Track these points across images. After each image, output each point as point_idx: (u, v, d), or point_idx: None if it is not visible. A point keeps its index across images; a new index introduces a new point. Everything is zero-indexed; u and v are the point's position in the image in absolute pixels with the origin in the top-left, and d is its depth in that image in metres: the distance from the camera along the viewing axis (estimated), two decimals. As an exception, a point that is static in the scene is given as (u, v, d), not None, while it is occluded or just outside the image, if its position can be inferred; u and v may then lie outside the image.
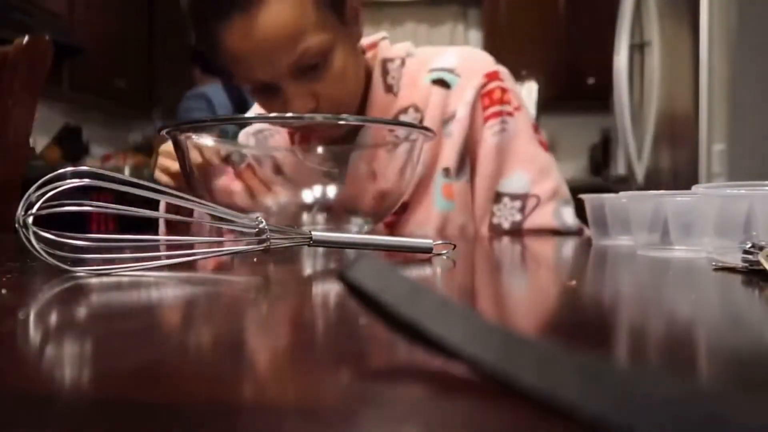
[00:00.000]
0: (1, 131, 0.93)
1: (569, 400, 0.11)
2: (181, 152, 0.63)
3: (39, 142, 3.07)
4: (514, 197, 0.82)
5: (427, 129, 0.63)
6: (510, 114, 0.83)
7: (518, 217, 0.82)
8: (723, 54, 1.60)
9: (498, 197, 0.83)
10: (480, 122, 0.83)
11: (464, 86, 0.83)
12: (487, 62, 0.87)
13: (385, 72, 0.83)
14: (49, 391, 0.14)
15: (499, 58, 0.90)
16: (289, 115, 0.71)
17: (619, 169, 2.40)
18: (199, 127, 0.65)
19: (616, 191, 0.60)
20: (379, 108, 0.83)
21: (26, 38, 0.95)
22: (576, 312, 0.26)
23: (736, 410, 0.10)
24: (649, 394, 0.11)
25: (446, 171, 0.83)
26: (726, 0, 1.58)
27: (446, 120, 0.83)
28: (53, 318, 0.23)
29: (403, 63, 0.85)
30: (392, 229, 0.84)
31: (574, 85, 3.25)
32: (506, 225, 0.82)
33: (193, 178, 0.63)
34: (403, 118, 0.82)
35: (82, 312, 0.25)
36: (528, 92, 1.18)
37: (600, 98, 2.85)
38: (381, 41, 0.87)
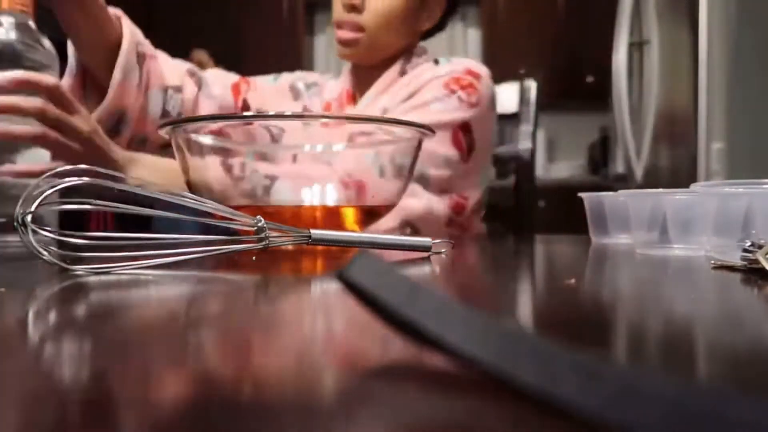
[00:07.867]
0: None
1: (567, 397, 0.11)
2: (180, 151, 0.63)
3: (38, 140, 3.06)
4: None
5: (428, 129, 0.63)
6: (462, 100, 0.91)
7: None
8: (722, 52, 1.60)
9: None
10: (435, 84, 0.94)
11: (447, 65, 0.95)
12: (475, 64, 0.96)
13: (407, 61, 0.99)
14: (47, 389, 0.14)
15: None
16: (289, 113, 0.72)
17: (618, 167, 2.40)
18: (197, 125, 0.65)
19: (614, 190, 0.60)
20: (385, 78, 0.97)
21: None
22: (574, 310, 0.26)
23: (733, 408, 0.10)
24: (647, 391, 0.11)
25: None
26: (725, -2, 1.58)
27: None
28: (52, 316, 0.23)
29: (420, 62, 1.00)
30: None
31: (573, 83, 3.24)
32: None
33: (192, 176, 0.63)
34: (391, 86, 0.96)
35: (81, 310, 0.25)
36: (527, 91, 1.18)
37: (599, 97, 2.85)
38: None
